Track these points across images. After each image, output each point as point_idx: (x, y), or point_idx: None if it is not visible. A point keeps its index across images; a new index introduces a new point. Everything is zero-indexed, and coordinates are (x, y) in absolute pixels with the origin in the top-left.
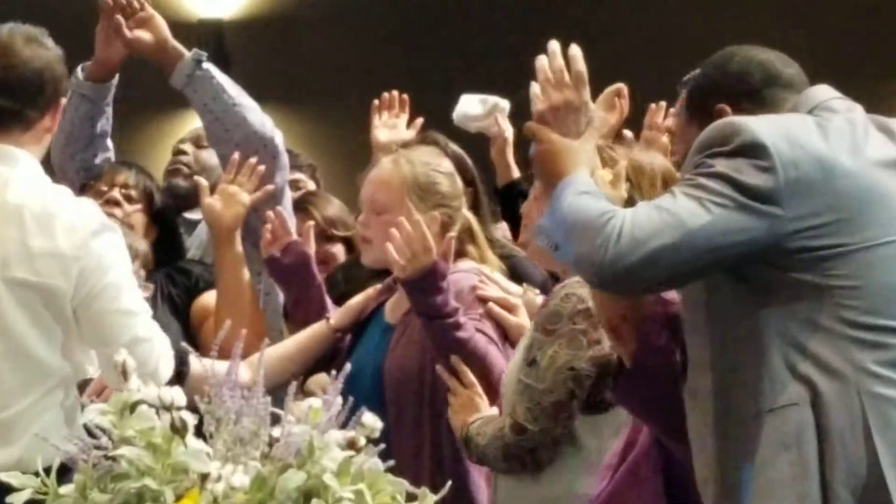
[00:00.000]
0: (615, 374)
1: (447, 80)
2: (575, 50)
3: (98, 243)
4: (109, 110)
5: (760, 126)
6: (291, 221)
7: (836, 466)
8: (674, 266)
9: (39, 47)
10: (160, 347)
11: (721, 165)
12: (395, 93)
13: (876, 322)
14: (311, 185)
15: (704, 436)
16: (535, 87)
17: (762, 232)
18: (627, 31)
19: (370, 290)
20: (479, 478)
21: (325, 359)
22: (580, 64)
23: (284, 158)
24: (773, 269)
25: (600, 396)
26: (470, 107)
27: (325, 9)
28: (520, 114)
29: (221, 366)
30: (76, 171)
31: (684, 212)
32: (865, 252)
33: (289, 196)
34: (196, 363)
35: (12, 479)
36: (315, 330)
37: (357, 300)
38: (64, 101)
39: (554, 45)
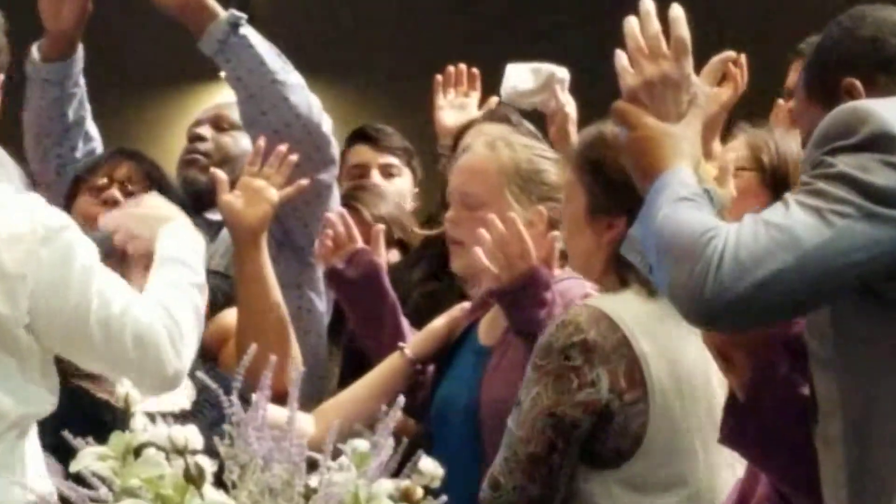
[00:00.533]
0: (727, 409)
1: (501, 52)
2: (676, 11)
3: (49, 251)
4: (81, 91)
5: (893, 112)
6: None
7: None
8: (789, 294)
9: None
10: (170, 332)
11: (844, 164)
12: (463, 66)
13: None
14: (406, 174)
15: (838, 492)
16: (622, 58)
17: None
18: None
19: (456, 310)
20: None
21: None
22: (682, 28)
23: (333, 150)
24: None
25: (607, 446)
26: (520, 79)
27: None
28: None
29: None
30: (54, 171)
31: (800, 226)
32: None
33: (336, 197)
34: None
35: None
36: (389, 365)
37: (440, 323)
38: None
39: (648, 4)
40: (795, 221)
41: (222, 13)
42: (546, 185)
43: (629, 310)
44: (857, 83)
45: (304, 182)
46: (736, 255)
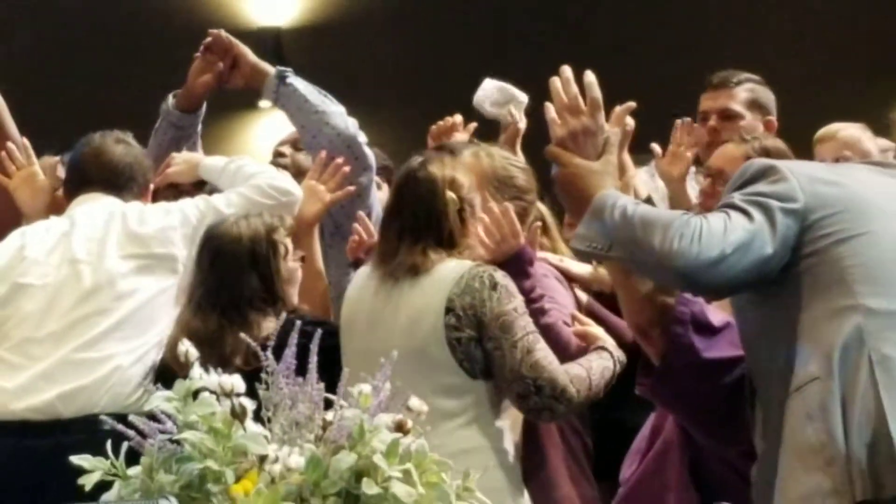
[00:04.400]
0: (643, 371)
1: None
2: (590, 77)
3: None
4: (197, 136)
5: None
6: (378, 218)
7: (853, 426)
8: (749, 266)
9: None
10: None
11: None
12: (449, 119)
13: (881, 291)
14: (385, 187)
15: (757, 443)
16: (550, 111)
17: (797, 227)
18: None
19: None
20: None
21: None
22: (595, 91)
23: (369, 160)
24: (793, 262)
25: None
26: (488, 93)
27: (382, 15)
28: None
29: None
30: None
31: (747, 222)
32: (863, 237)
33: (376, 195)
34: None
35: (84, 461)
36: None
37: None
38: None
39: (567, 72)
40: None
41: (271, 71)
42: (515, 187)
43: None
44: None
45: (351, 188)
46: (711, 231)
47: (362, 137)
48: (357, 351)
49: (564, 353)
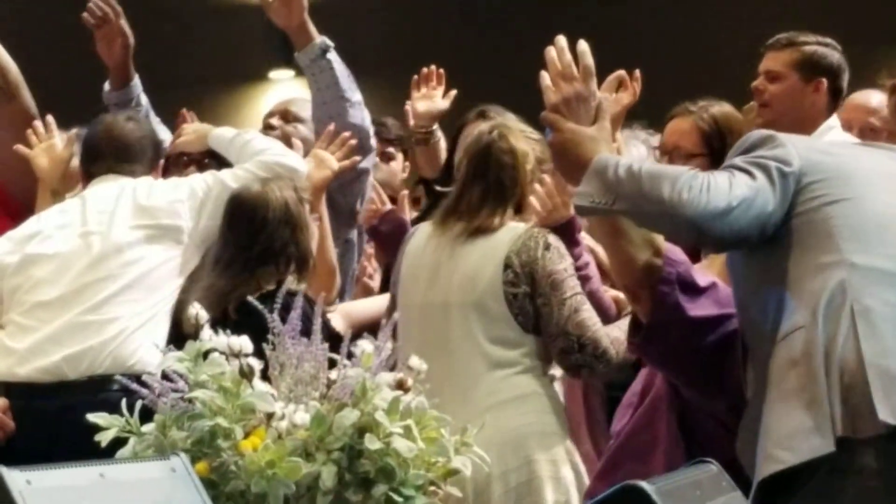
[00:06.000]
0: (632, 329)
1: (505, 61)
2: (583, 45)
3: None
4: (144, 108)
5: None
6: (365, 195)
7: (834, 371)
8: (752, 220)
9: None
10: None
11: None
12: (433, 67)
13: (865, 249)
14: (399, 156)
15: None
16: (545, 79)
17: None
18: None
19: None
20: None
21: None
22: (588, 59)
23: (373, 142)
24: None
25: None
26: None
27: None
28: None
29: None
30: None
31: (750, 180)
32: (850, 201)
33: (371, 178)
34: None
35: (99, 419)
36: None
37: None
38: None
39: (562, 41)
40: (747, 176)
41: (317, 38)
42: (535, 159)
43: None
44: None
45: (357, 158)
46: (717, 185)
47: (372, 129)
48: (414, 305)
49: (606, 317)
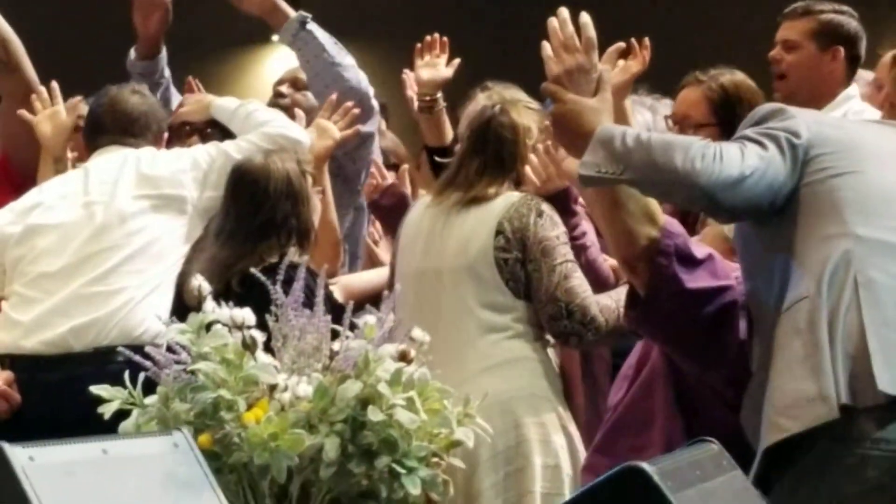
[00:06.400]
0: (630, 303)
1: (507, 32)
2: (585, 17)
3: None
4: (167, 81)
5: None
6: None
7: (837, 340)
8: (764, 190)
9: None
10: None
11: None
12: (437, 35)
13: (870, 221)
14: (382, 124)
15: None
16: (547, 49)
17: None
18: None
19: None
20: None
21: None
22: (590, 31)
23: (376, 110)
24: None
25: None
26: None
27: None
28: None
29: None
30: None
31: (763, 150)
32: (856, 174)
33: (377, 142)
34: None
35: (102, 391)
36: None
37: None
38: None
39: (564, 13)
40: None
41: (292, 14)
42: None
43: None
44: None
45: (359, 127)
46: (729, 154)
47: (371, 91)
48: (410, 272)
49: (604, 286)
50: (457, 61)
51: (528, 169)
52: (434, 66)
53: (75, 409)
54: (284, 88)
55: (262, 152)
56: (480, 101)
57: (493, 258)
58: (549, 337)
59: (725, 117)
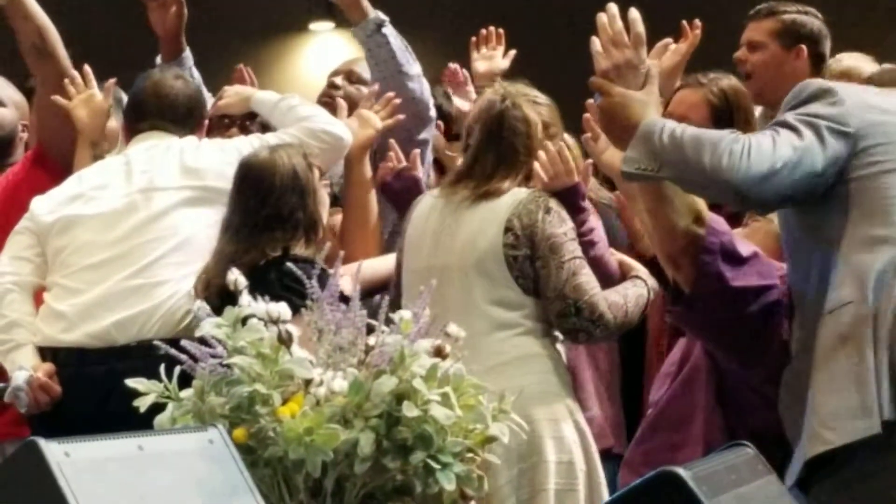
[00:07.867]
0: (673, 299)
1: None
2: (634, 13)
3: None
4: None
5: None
6: (426, 164)
7: (882, 351)
8: (798, 181)
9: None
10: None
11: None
12: (492, 28)
13: None
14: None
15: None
16: (595, 44)
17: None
18: None
19: None
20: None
21: None
22: (639, 26)
23: (432, 113)
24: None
25: None
26: None
27: None
28: None
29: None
30: None
31: (797, 140)
32: None
33: (430, 148)
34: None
35: (139, 384)
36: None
37: None
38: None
39: (613, 8)
40: (792, 136)
41: (371, 13)
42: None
43: None
44: None
45: (400, 117)
46: (760, 147)
47: (432, 102)
48: (418, 269)
49: (611, 283)
50: (512, 52)
51: (536, 165)
52: (490, 58)
53: (118, 402)
54: (339, 80)
55: (267, 147)
56: (487, 94)
57: (503, 255)
58: (557, 333)
59: (723, 123)
